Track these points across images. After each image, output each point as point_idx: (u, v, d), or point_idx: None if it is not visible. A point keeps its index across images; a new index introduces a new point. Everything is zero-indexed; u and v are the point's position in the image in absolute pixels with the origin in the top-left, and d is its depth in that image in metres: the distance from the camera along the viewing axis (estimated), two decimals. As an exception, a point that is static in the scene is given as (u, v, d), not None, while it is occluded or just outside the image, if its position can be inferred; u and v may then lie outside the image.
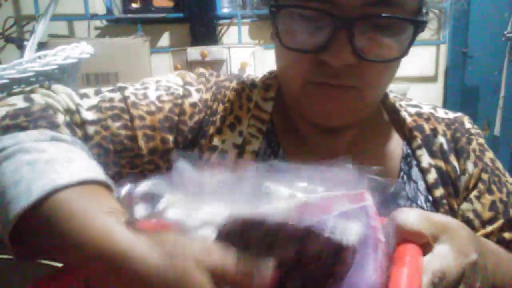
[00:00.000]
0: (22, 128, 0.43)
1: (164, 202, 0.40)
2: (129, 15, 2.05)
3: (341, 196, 0.35)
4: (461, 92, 2.15)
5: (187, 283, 0.30)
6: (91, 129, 0.51)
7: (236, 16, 2.05)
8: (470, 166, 0.59)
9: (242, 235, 0.33)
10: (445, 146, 0.60)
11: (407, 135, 0.61)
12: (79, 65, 0.87)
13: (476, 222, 0.58)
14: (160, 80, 0.59)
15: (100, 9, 2.07)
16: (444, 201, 0.57)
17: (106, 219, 0.33)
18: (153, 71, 1.70)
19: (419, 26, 0.49)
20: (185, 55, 1.66)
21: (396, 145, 0.61)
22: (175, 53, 1.71)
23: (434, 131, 0.61)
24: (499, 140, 2.04)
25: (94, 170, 0.39)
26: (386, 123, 0.63)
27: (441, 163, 0.59)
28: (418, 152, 0.60)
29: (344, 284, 0.32)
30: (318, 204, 0.34)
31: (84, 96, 0.53)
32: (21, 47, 1.57)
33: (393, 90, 0.67)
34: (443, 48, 2.13)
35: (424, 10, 0.52)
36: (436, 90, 2.17)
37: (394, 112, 0.63)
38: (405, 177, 0.59)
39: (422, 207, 0.57)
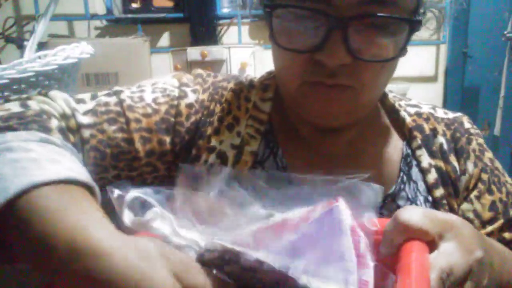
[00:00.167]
0: (13, 130, 0.42)
1: (153, 213, 0.41)
2: (129, 15, 2.05)
3: (316, 207, 0.37)
4: (461, 92, 2.15)
5: None
6: (86, 133, 0.50)
7: (236, 16, 2.05)
8: (470, 166, 0.59)
9: (221, 265, 0.34)
10: (445, 146, 0.60)
11: (407, 135, 0.61)
12: (79, 65, 0.87)
13: (476, 222, 0.58)
14: (157, 82, 0.59)
15: (100, 9, 2.07)
16: (444, 201, 0.57)
17: (79, 215, 0.33)
18: (153, 71, 1.70)
19: (415, 25, 0.49)
20: (185, 55, 1.66)
21: (396, 145, 0.61)
22: (175, 53, 1.71)
23: (434, 131, 0.61)
24: (499, 140, 2.04)
25: (77, 171, 0.38)
26: (386, 123, 0.63)
27: (441, 163, 0.59)
28: (418, 152, 0.60)
29: None
30: (297, 218, 0.37)
31: (80, 101, 0.53)
32: (21, 47, 1.58)
33: (393, 90, 0.67)
34: (443, 48, 2.13)
35: (421, 10, 0.52)
36: (436, 90, 2.17)
37: (393, 112, 0.63)
38: (405, 177, 0.59)
39: None
